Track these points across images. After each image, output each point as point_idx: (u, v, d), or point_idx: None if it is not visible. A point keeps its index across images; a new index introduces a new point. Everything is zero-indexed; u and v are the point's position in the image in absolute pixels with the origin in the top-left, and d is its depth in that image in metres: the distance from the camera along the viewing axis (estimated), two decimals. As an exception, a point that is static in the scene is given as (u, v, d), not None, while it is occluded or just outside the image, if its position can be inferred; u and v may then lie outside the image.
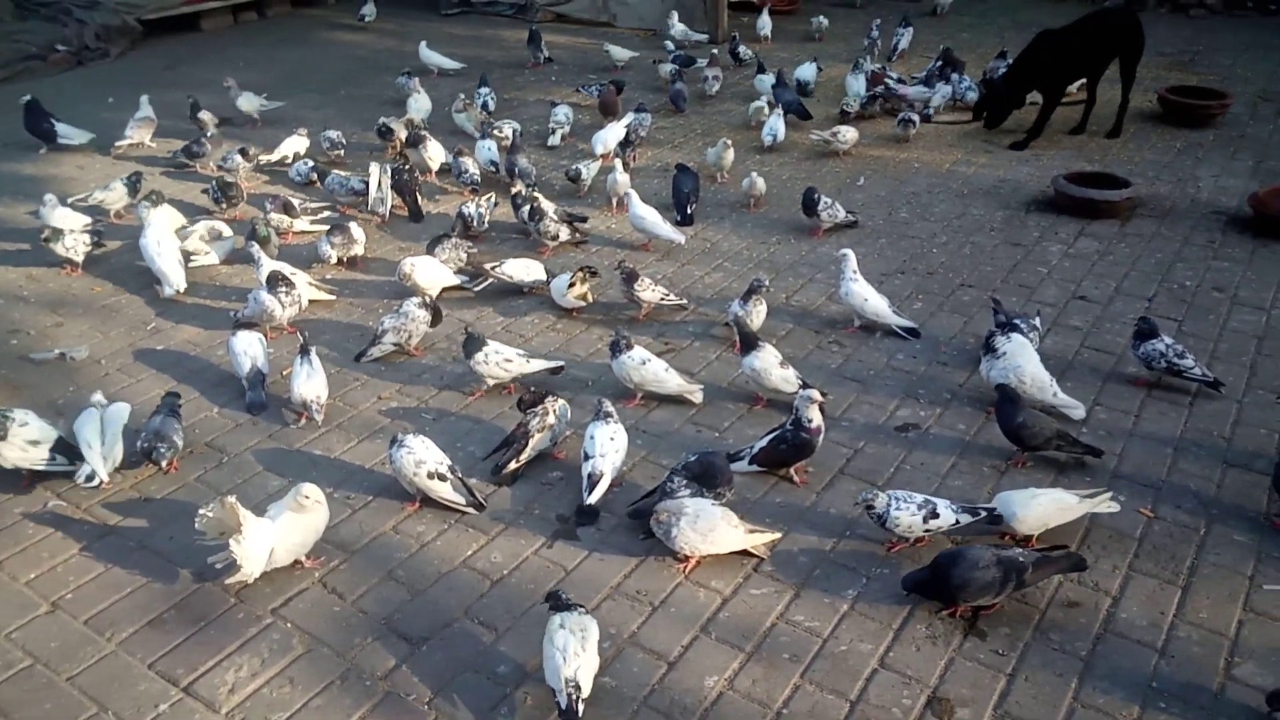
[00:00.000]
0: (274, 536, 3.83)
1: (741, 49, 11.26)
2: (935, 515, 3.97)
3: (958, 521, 4.01)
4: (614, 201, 7.38)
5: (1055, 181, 7.53)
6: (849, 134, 8.57)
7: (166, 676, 3.55)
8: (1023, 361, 4.80)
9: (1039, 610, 3.74)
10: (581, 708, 3.23)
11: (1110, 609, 3.76)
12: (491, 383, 5.13)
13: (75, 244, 6.53)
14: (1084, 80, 9.03)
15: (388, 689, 3.49)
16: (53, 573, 4.05)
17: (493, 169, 7.97)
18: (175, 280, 6.16)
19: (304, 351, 5.00)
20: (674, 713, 3.37)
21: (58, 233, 6.49)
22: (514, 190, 7.02)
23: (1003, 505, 4.02)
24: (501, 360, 5.06)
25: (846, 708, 3.37)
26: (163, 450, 4.48)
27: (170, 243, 6.29)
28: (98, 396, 4.71)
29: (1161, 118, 9.35)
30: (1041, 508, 3.99)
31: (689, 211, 7.21)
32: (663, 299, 5.90)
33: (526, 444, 4.50)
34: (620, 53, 11.25)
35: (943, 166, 8.35)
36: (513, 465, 4.49)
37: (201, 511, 3.80)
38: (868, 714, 3.35)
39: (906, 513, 3.94)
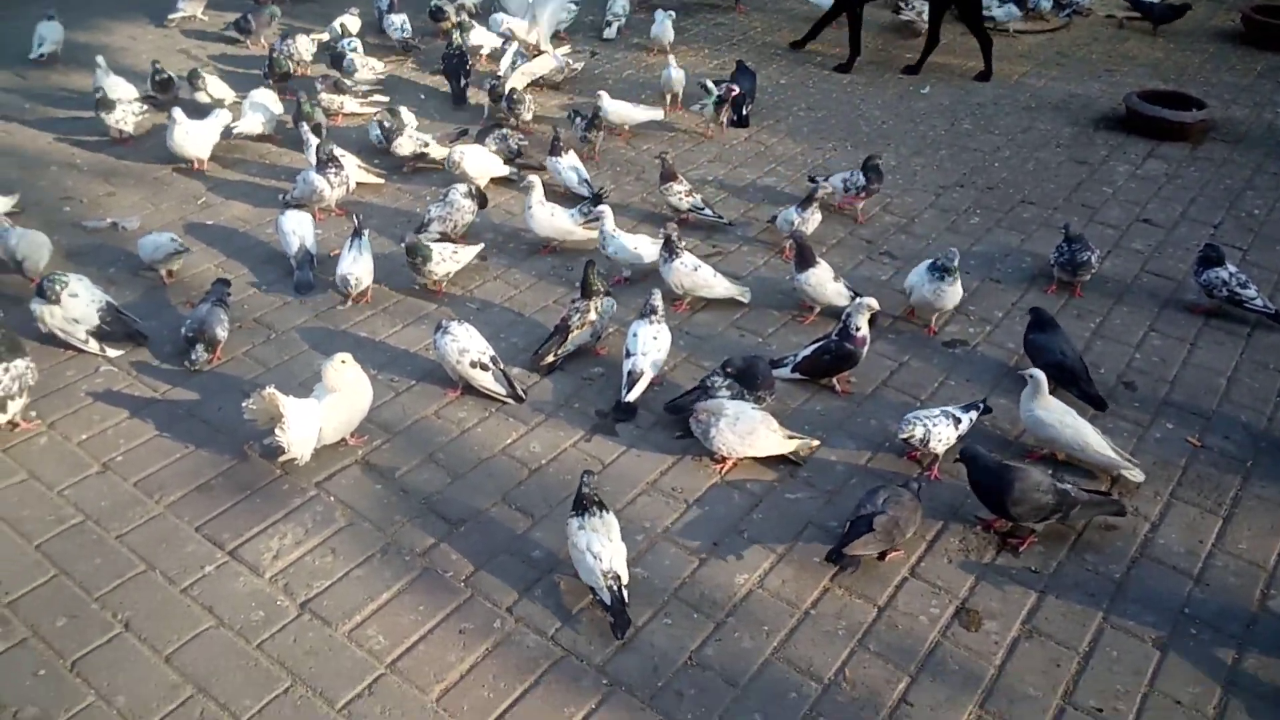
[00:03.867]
0: (320, 417, 3.89)
1: None
2: (959, 421, 3.97)
3: (972, 421, 4.02)
4: (667, 99, 7.20)
5: (1127, 99, 7.25)
6: None
7: (213, 540, 3.65)
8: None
9: (1075, 531, 3.72)
10: (626, 594, 3.30)
11: (1149, 534, 3.73)
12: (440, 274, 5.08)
13: (125, 115, 6.52)
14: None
15: (425, 565, 3.57)
16: (103, 435, 4.15)
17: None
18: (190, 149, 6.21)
19: (356, 234, 4.99)
20: (703, 605, 3.43)
21: (110, 103, 6.48)
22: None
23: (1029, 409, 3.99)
24: (450, 255, 5.05)
25: (874, 612, 3.41)
26: (199, 353, 4.47)
27: (196, 131, 6.25)
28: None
29: (1243, 37, 8.91)
30: (1059, 428, 3.91)
31: (745, 113, 7.03)
32: (694, 210, 5.69)
33: (566, 337, 4.49)
34: None
35: (1011, 78, 8.05)
36: (549, 358, 4.50)
37: (245, 404, 3.86)
38: (895, 620, 3.38)
39: (944, 426, 3.91)
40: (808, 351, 4.42)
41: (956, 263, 4.67)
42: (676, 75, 7.15)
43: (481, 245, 5.32)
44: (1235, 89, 7.90)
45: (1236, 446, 4.17)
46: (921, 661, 3.24)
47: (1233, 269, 4.93)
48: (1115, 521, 3.75)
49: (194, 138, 6.21)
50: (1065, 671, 3.20)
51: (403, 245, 4.98)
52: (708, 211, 5.74)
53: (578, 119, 6.52)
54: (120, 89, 6.77)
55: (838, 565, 3.52)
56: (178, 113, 6.19)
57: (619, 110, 6.75)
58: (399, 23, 8.21)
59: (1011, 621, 3.37)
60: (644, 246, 5.16)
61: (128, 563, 3.56)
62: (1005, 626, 3.36)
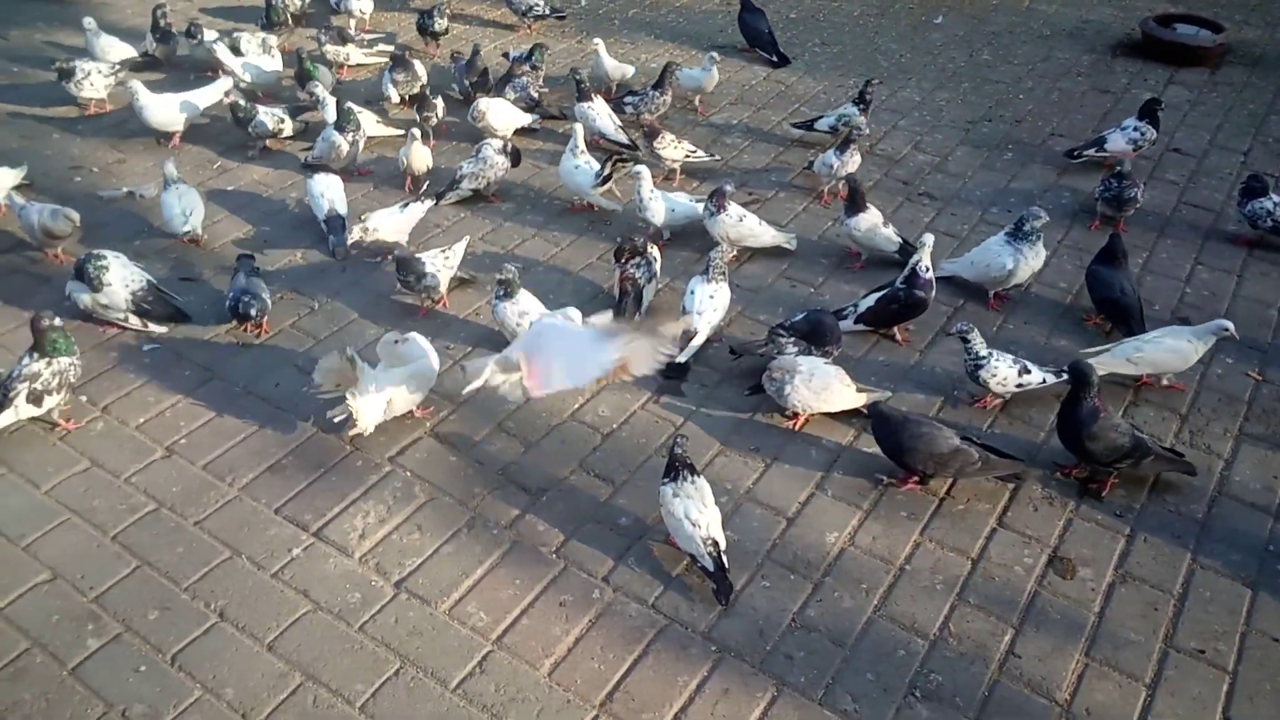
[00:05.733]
0: (391, 388, 3.81)
1: None
2: (1028, 371, 3.97)
3: (1044, 380, 4.00)
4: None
5: (1144, 24, 7.17)
6: None
7: (295, 522, 3.59)
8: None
9: (1149, 475, 3.75)
10: (727, 560, 3.30)
11: (1223, 471, 3.78)
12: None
13: (94, 80, 6.11)
14: None
15: (514, 537, 3.54)
16: (161, 418, 4.05)
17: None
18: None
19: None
20: (798, 566, 3.44)
21: (69, 70, 6.05)
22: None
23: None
24: (443, 262, 4.58)
25: (968, 565, 3.43)
26: (253, 305, 4.31)
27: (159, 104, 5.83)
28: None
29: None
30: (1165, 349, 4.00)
31: (781, 50, 6.86)
32: (688, 156, 5.56)
33: (641, 298, 4.44)
34: None
35: (1022, 3, 7.93)
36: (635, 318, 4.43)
37: (321, 363, 3.77)
38: (990, 571, 3.41)
39: (1005, 364, 3.93)
40: (871, 301, 4.38)
41: (1044, 221, 4.47)
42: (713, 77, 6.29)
43: (468, 238, 4.86)
44: (1245, 8, 7.85)
45: (1296, 379, 4.22)
46: (1023, 612, 3.27)
47: (1276, 199, 4.93)
48: (1190, 459, 3.76)
49: (156, 110, 5.78)
50: (1163, 615, 3.26)
51: (392, 258, 4.58)
52: (700, 154, 5.61)
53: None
54: (114, 50, 6.47)
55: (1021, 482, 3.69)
56: (136, 84, 5.72)
57: (615, 68, 6.46)
58: None
59: (1105, 567, 3.42)
60: (682, 204, 5.05)
61: (211, 549, 3.50)
62: (1099, 573, 3.40)
